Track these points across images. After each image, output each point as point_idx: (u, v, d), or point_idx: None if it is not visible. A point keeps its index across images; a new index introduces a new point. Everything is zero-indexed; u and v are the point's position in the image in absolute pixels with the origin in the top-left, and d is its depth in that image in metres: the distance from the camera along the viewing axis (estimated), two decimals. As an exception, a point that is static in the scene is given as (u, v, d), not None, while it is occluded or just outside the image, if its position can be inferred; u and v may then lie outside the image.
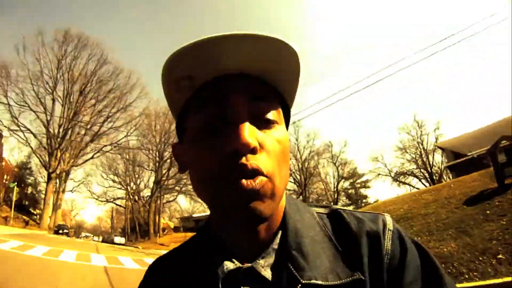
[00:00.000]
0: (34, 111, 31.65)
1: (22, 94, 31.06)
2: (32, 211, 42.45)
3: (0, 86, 29.79)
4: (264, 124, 0.51)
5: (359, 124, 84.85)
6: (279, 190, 0.50)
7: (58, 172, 33.12)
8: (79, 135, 33.88)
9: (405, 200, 12.12)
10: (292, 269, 0.50)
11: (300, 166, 37.21)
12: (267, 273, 0.51)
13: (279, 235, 0.55)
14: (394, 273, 0.51)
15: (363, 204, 34.90)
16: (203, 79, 0.51)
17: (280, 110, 0.55)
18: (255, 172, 0.47)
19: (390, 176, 36.46)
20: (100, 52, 33.82)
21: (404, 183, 36.60)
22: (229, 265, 0.53)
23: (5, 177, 38.61)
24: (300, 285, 0.48)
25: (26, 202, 43.52)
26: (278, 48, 0.48)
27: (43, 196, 35.49)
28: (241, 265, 0.52)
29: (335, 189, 36.54)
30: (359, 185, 38.43)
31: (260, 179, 0.47)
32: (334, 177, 37.94)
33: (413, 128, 36.89)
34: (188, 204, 53.51)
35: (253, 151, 0.47)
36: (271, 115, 0.52)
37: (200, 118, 0.52)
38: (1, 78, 29.71)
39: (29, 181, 45.15)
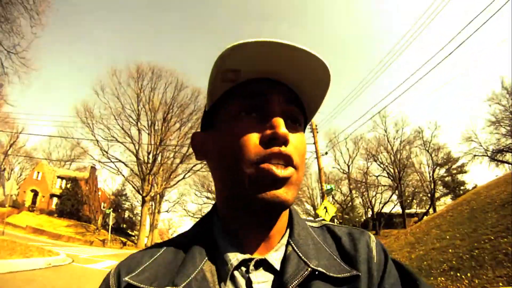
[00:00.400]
0: (121, 143, 33.20)
1: (108, 129, 32.71)
2: (129, 232, 45.22)
3: (87, 126, 31.47)
4: (292, 124, 0.58)
5: (445, 102, 78.12)
6: (300, 183, 0.57)
7: (152, 195, 34.58)
8: (169, 159, 35.05)
9: (507, 181, 10.69)
10: (301, 255, 0.55)
11: (393, 158, 34.68)
12: (278, 267, 0.55)
13: (287, 233, 0.61)
14: (380, 277, 0.57)
15: (461, 192, 31.63)
16: (247, 76, 0.57)
17: (303, 116, 0.62)
18: (288, 161, 0.53)
19: (487, 155, 31.68)
20: (175, 79, 34.66)
21: (503, 161, 32.43)
22: (239, 255, 0.55)
23: (102, 204, 41.38)
24: (309, 269, 0.53)
25: (124, 225, 46.35)
26: (316, 65, 0.54)
27: (139, 218, 37.23)
28: (251, 256, 0.55)
29: (431, 179, 33.39)
30: (455, 171, 34.86)
31: (291, 169, 0.53)
32: (428, 166, 34.66)
33: (502, 96, 30.57)
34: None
35: (286, 143, 0.53)
36: (298, 116, 0.60)
37: (244, 103, 0.57)
38: (86, 119, 31.36)
39: (126, 206, 47.92)
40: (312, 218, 0.79)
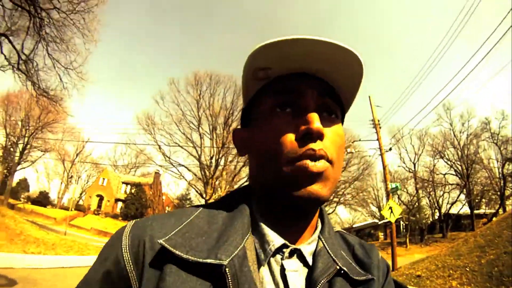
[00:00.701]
0: (184, 148, 33.97)
1: (170, 136, 33.46)
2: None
3: (149, 133, 32.51)
4: (328, 117, 0.58)
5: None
6: (337, 177, 0.57)
7: (215, 198, 34.99)
8: (231, 162, 35.51)
9: None
10: (331, 253, 0.57)
11: (460, 154, 31.72)
12: (309, 259, 0.56)
13: (319, 227, 0.62)
14: (381, 285, 0.62)
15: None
16: (278, 72, 0.57)
17: (340, 109, 0.61)
18: (322, 156, 0.52)
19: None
20: (233, 84, 35.18)
21: None
22: (279, 239, 0.55)
23: (166, 208, 42.50)
24: (337, 267, 0.55)
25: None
26: (347, 56, 0.53)
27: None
28: (288, 244, 0.55)
29: (500, 175, 29.86)
30: (527, 165, 30.27)
31: (324, 163, 0.52)
32: (497, 161, 31.26)
33: None
34: (348, 215, 53.08)
35: (321, 137, 0.53)
36: (334, 109, 0.59)
37: (277, 99, 0.57)
38: (148, 126, 32.40)
39: (190, 209, 47.81)
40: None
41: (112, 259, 0.52)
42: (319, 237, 0.60)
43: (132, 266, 0.50)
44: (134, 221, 0.57)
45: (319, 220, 0.64)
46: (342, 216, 56.22)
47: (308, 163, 0.51)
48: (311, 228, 0.61)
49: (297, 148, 0.53)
